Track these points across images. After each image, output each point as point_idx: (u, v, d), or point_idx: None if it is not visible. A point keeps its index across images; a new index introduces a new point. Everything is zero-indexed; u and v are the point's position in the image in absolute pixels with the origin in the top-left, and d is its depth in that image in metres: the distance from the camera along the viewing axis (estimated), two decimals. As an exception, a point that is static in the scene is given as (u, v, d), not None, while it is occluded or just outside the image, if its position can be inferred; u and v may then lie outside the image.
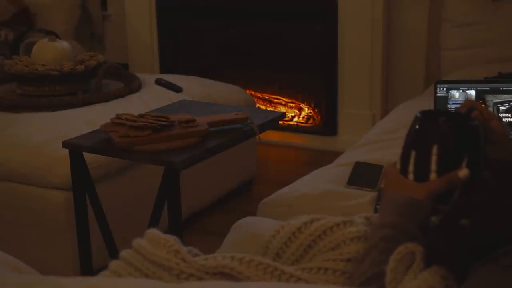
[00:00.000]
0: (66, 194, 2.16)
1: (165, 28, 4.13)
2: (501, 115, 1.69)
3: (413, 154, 1.06)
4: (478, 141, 1.06)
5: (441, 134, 1.04)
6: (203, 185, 2.73)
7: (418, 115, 1.10)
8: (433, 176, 1.03)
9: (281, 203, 1.84)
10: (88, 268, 2.04)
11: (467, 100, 1.58)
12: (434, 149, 1.03)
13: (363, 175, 1.89)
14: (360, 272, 0.93)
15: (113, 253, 2.04)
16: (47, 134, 2.30)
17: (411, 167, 1.06)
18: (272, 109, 3.95)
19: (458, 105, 1.81)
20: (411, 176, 1.06)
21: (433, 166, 1.03)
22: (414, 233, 0.96)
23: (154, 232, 1.01)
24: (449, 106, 1.81)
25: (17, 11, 3.88)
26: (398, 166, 1.09)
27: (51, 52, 2.70)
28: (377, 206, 1.68)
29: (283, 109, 3.96)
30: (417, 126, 1.08)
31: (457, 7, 3.24)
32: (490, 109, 1.77)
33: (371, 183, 1.84)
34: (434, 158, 1.03)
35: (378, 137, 2.28)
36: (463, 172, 1.02)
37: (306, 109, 3.93)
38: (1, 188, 2.30)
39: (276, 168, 3.52)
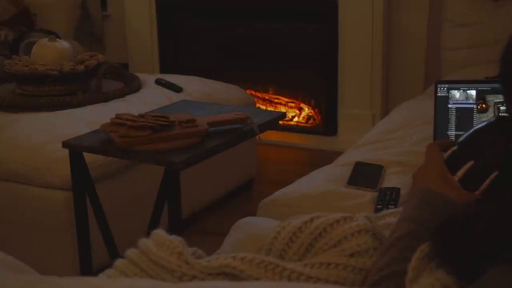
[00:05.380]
0: (66, 194, 2.16)
1: (165, 28, 4.12)
2: (502, 115, 1.69)
3: (470, 163, 1.02)
4: None
5: (506, 161, 0.99)
6: (203, 185, 2.73)
7: (493, 123, 1.03)
8: (477, 193, 1.01)
9: (281, 203, 1.84)
10: (88, 268, 2.04)
11: None
12: (493, 175, 1.00)
13: (363, 175, 1.89)
14: (380, 266, 0.92)
15: (113, 253, 2.04)
16: (47, 134, 2.29)
17: (460, 173, 1.03)
18: (272, 109, 3.95)
19: (458, 105, 1.81)
20: (456, 178, 1.03)
21: (483, 188, 1.01)
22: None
23: (160, 233, 1.01)
24: (449, 106, 1.81)
25: (17, 11, 3.88)
26: (446, 155, 1.06)
27: (51, 52, 2.70)
28: (377, 206, 1.68)
29: (283, 109, 3.96)
30: (488, 138, 1.03)
31: (457, 7, 3.24)
32: (491, 109, 1.76)
33: (371, 183, 1.84)
34: (488, 182, 1.00)
35: (378, 137, 2.28)
36: None
37: (306, 109, 3.93)
38: (1, 188, 2.30)
39: (276, 168, 3.52)
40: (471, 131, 1.07)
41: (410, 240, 0.93)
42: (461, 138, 1.08)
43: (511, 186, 0.94)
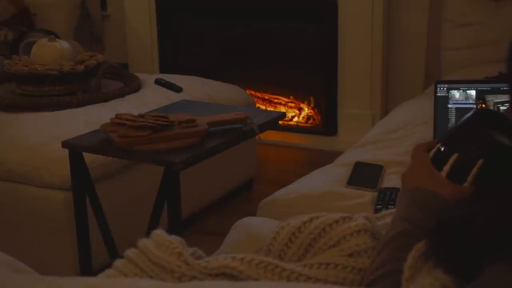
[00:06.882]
0: (66, 194, 2.16)
1: (165, 28, 4.12)
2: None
3: (454, 156, 1.01)
4: None
5: (491, 150, 0.98)
6: (203, 185, 2.73)
7: (474, 115, 1.03)
8: (466, 185, 1.00)
9: (281, 203, 1.84)
10: (88, 268, 2.04)
11: None
12: (479, 163, 0.98)
13: (363, 175, 1.89)
14: (375, 265, 0.92)
15: (113, 253, 2.04)
16: (47, 134, 2.29)
17: (447, 167, 1.02)
18: (272, 109, 3.95)
19: (458, 105, 1.81)
20: (443, 174, 1.02)
21: (471, 178, 0.99)
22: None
23: (159, 233, 1.01)
24: (449, 106, 1.81)
25: (17, 11, 3.88)
26: (431, 154, 1.05)
27: (50, 52, 2.70)
28: (377, 206, 1.68)
29: (283, 109, 3.96)
30: (470, 130, 1.02)
31: (457, 7, 3.24)
32: (490, 109, 1.76)
33: (371, 183, 1.84)
34: (475, 171, 0.99)
35: (378, 137, 2.28)
36: None
37: (306, 109, 3.93)
38: (1, 188, 2.30)
39: (276, 168, 3.52)
40: (452, 127, 1.07)
41: (405, 239, 0.93)
42: (444, 134, 1.08)
43: (502, 179, 0.94)
